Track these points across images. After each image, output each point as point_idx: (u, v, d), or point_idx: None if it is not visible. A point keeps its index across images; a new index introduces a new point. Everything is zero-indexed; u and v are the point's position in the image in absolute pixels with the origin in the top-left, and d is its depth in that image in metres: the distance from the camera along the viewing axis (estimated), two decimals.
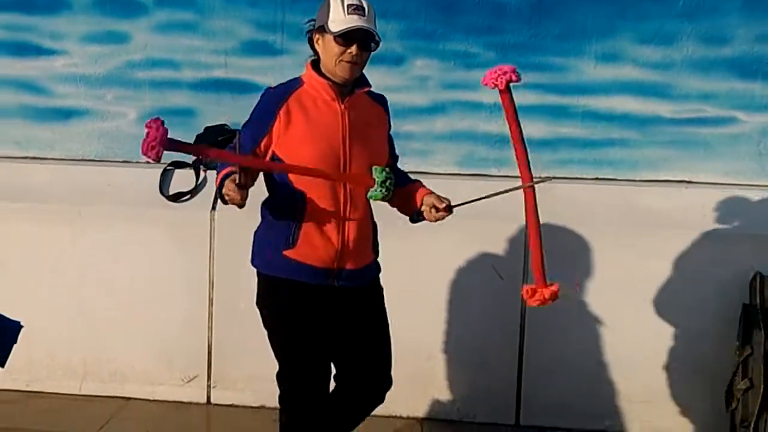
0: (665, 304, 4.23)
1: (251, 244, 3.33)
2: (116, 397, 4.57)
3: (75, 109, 4.85)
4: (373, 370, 3.40)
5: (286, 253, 3.20)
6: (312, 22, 3.25)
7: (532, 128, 4.34)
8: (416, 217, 3.32)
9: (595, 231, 4.28)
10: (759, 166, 4.49)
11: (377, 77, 4.47)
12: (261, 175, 3.25)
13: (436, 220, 3.25)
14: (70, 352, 4.59)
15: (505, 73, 2.99)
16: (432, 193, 3.30)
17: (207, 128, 4.72)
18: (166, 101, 4.79)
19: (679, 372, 4.28)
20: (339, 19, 3.11)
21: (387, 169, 3.17)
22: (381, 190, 3.13)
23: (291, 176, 3.19)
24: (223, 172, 3.13)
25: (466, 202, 3.20)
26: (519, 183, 3.11)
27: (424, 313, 4.36)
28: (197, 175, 4.62)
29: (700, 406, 4.26)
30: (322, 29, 3.16)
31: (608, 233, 4.26)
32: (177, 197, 4.57)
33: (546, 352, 4.36)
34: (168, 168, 4.65)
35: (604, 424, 4.35)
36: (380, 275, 3.44)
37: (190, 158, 4.62)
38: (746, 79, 4.46)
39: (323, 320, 3.28)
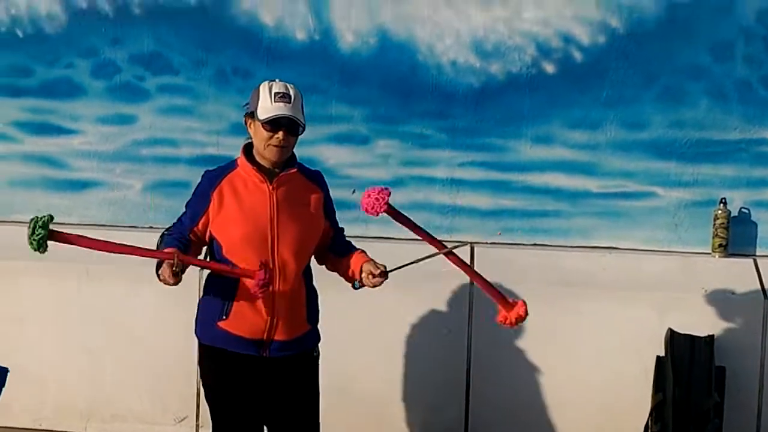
0: (592, 355, 4.31)
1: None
2: None
3: (89, 181, 4.97)
4: None
5: (219, 324, 3.13)
6: (247, 106, 3.17)
7: (478, 200, 4.65)
8: (357, 284, 3.22)
9: (531, 289, 4.28)
10: (674, 235, 4.52)
11: (347, 154, 4.78)
12: (204, 249, 3.23)
13: (374, 286, 3.14)
14: (76, 395, 4.67)
15: (377, 200, 3.00)
16: (370, 260, 3.19)
17: None
18: (167, 174, 4.92)
19: (605, 416, 4.32)
20: (266, 107, 3.04)
21: (37, 222, 2.88)
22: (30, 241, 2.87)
23: (225, 252, 3.11)
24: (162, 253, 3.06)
25: (399, 267, 3.12)
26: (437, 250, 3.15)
27: (380, 364, 4.46)
28: None
29: None
30: (252, 115, 3.10)
31: (542, 291, 4.33)
32: None
33: (489, 397, 4.43)
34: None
35: None
36: (318, 344, 3.34)
37: None
38: (662, 159, 4.49)
39: (253, 389, 3.18)
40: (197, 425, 4.63)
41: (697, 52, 4.50)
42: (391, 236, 4.65)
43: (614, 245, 4.56)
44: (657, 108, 4.52)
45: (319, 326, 3.37)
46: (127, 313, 4.63)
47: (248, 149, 3.18)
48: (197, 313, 3.30)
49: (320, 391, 4.43)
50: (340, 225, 3.42)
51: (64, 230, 4.76)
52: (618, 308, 4.32)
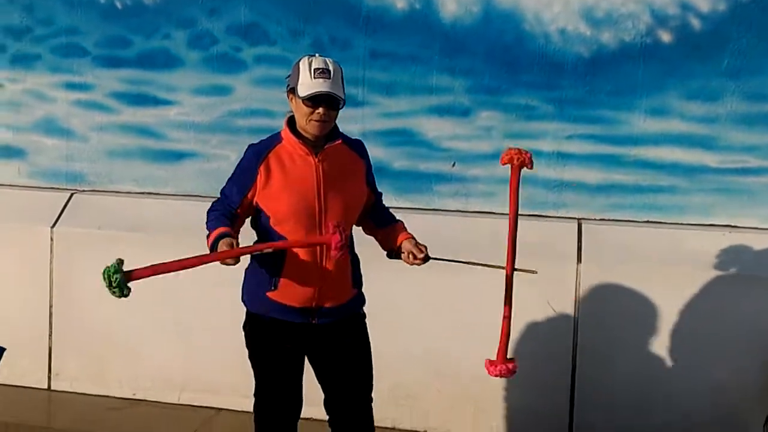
0: (709, 342, 4.01)
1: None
2: (209, 407, 4.55)
3: (185, 152, 4.88)
4: (352, 397, 3.30)
5: (269, 294, 3.13)
6: (289, 79, 3.13)
7: (587, 175, 4.37)
8: (393, 255, 3.22)
9: (643, 270, 4.09)
10: None
11: (448, 126, 4.55)
12: (248, 221, 3.20)
13: (411, 265, 3.16)
14: (170, 366, 4.59)
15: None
16: (412, 238, 3.19)
17: None
18: None
19: (721, 408, 4.03)
20: (306, 83, 3.00)
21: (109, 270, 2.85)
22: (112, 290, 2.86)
23: (273, 223, 3.10)
24: (215, 233, 3.05)
25: (443, 260, 3.15)
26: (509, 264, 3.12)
27: (481, 345, 4.22)
28: None
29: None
30: (294, 90, 3.06)
31: (655, 272, 4.07)
32: None
33: (596, 383, 4.16)
34: None
35: None
36: (364, 307, 3.32)
37: None
38: None
39: (300, 356, 3.22)
40: None
41: None
42: (492, 211, 4.43)
43: (734, 224, 4.23)
44: None
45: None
46: (218, 286, 4.41)
47: (292, 122, 3.15)
48: (244, 281, 3.28)
49: (419, 371, 4.24)
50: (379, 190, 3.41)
51: (160, 200, 4.82)
52: (738, 291, 4.00)
